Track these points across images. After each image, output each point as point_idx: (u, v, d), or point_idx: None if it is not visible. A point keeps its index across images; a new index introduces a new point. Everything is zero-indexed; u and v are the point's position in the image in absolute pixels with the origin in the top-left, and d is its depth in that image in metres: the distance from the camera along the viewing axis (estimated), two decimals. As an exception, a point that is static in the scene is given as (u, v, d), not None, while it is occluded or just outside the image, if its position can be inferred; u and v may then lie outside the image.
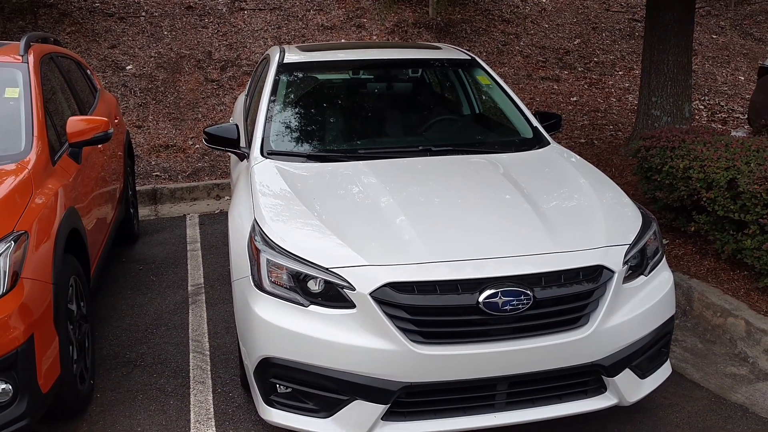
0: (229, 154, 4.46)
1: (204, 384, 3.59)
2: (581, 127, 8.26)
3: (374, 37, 10.04)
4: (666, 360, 3.15)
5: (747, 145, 4.45)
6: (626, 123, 8.41)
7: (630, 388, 2.93)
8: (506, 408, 2.80)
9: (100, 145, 4.44)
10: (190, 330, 4.19)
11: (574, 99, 9.20)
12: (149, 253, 5.48)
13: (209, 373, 3.69)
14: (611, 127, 8.33)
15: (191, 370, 3.72)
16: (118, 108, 5.82)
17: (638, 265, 3.00)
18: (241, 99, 5.69)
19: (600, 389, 2.90)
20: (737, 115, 9.20)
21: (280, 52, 4.62)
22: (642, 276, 2.99)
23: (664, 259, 3.19)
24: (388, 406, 2.68)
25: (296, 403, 2.80)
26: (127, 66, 8.95)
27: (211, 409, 3.36)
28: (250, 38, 9.74)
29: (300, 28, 10.02)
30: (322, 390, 2.73)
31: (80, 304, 3.44)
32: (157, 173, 7.11)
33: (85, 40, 9.30)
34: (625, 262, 2.88)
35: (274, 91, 4.16)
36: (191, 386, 3.57)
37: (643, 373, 2.99)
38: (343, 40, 9.79)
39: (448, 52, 4.76)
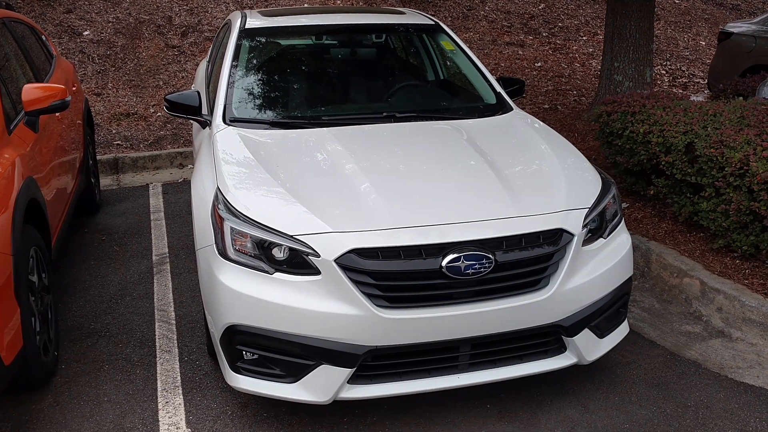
0: (191, 121, 4.41)
1: (170, 353, 3.59)
2: (545, 93, 8.32)
3: (338, 2, 9.91)
4: (624, 320, 3.25)
5: (705, 110, 4.53)
6: (590, 88, 8.48)
7: (589, 347, 3.02)
8: (469, 369, 2.87)
9: (57, 114, 4.34)
10: (155, 299, 4.17)
11: (539, 64, 9.24)
12: (112, 223, 5.41)
13: (175, 342, 3.70)
14: (575, 92, 8.40)
15: (157, 340, 3.72)
16: (75, 75, 5.68)
17: (597, 228, 3.07)
18: (203, 65, 5.59)
19: (560, 349, 2.98)
20: (698, 80, 9.35)
21: (242, 17, 4.54)
22: (601, 239, 3.06)
23: (623, 222, 3.27)
24: (354, 369, 2.73)
25: (263, 369, 2.83)
26: (84, 31, 8.71)
27: (178, 378, 3.37)
28: (211, 2, 9.53)
29: (262, -7, 9.83)
30: (289, 356, 2.76)
31: (42, 276, 3.39)
32: (119, 142, 6.98)
33: (40, 4, 9.00)
34: (584, 226, 2.94)
35: (235, 58, 4.10)
36: (158, 355, 3.58)
37: (601, 333, 3.08)
38: (306, 5, 9.64)
39: (411, 17, 4.73)
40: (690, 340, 3.69)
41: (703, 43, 10.72)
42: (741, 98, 4.98)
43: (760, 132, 4.06)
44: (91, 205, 5.50)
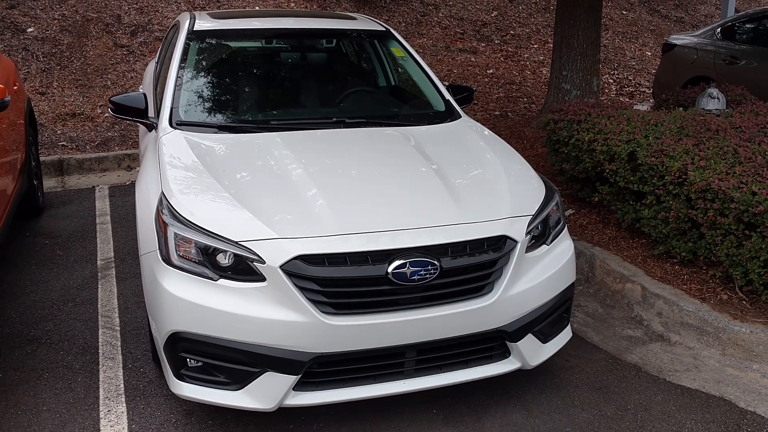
0: (138, 124, 4.33)
1: (114, 360, 3.52)
2: (496, 100, 8.44)
3: (292, 5, 9.86)
4: (567, 325, 3.32)
5: (647, 119, 4.67)
6: (540, 96, 8.64)
7: (532, 352, 3.07)
8: (415, 375, 2.89)
9: (-3, 114, 4.21)
10: (99, 305, 4.08)
11: (491, 71, 9.37)
12: (55, 226, 5.27)
13: (119, 348, 3.62)
14: (525, 99, 8.55)
15: (100, 347, 3.64)
16: (17, 74, 5.52)
17: (541, 234, 3.13)
18: (152, 66, 5.50)
19: (504, 354, 3.03)
20: (644, 89, 9.62)
21: (191, 18, 4.48)
22: (544, 245, 3.13)
23: (566, 228, 3.34)
24: (300, 376, 2.72)
25: (207, 376, 2.79)
26: (28, 28, 8.46)
27: (122, 385, 3.31)
28: (162, 2, 9.38)
29: (215, -7, 9.72)
30: (233, 363, 2.74)
31: (-22, 282, 3.29)
32: (64, 143, 6.81)
33: (-19, -1, 8.72)
34: (527, 232, 3.00)
35: (183, 60, 4.04)
36: (100, 362, 3.50)
37: (545, 338, 3.14)
38: (258, 8, 9.56)
39: (363, 22, 4.74)
40: (631, 344, 3.79)
41: (649, 54, 11.03)
42: (681, 109, 5.15)
43: (698, 142, 4.20)
44: (34, 207, 5.35)
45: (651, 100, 8.79)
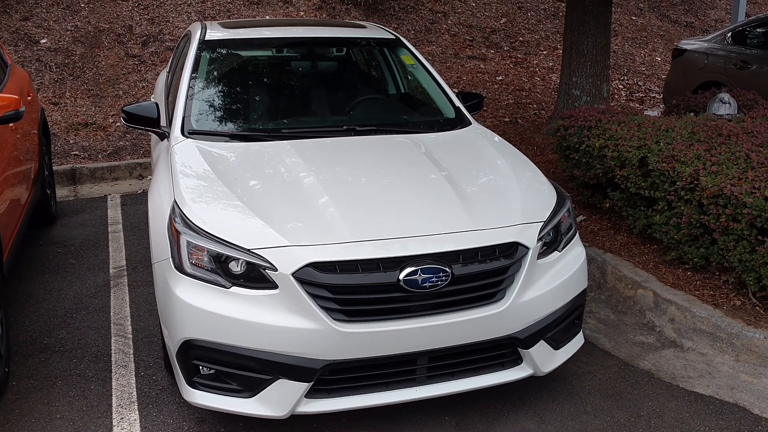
0: (150, 132, 4.37)
1: (126, 368, 3.54)
2: (506, 106, 8.44)
3: (301, 14, 9.92)
4: (579, 331, 3.31)
5: (658, 125, 4.66)
6: (549, 102, 8.63)
7: (544, 358, 3.06)
8: (427, 382, 2.89)
9: (11, 124, 4.25)
10: (111, 313, 4.10)
11: (500, 78, 9.37)
12: (68, 235, 5.31)
13: (132, 356, 3.64)
14: (535, 106, 8.54)
15: (113, 354, 3.66)
16: (31, 84, 5.58)
17: (552, 241, 3.13)
18: (163, 76, 5.54)
19: (516, 361, 3.02)
20: (654, 95, 9.59)
21: (202, 28, 4.52)
22: (556, 252, 3.12)
23: (578, 235, 3.33)
24: (312, 384, 2.73)
25: (220, 384, 2.81)
26: (41, 39, 8.55)
27: (134, 393, 3.32)
28: (173, 12, 9.46)
29: (225, 3, 9.79)
30: (246, 370, 2.75)
31: (-8, 290, 3.32)
32: (76, 152, 6.87)
33: (-5, 11, 8.82)
34: (539, 239, 2.99)
35: (195, 70, 4.08)
36: (113, 370, 3.52)
37: (557, 344, 3.13)
38: (268, 17, 9.62)
39: (372, 30, 4.76)
40: (643, 350, 3.77)
41: (659, 59, 11.00)
42: (692, 114, 5.13)
43: (710, 147, 4.18)
44: (47, 216, 5.39)
45: (661, 106, 8.75)
